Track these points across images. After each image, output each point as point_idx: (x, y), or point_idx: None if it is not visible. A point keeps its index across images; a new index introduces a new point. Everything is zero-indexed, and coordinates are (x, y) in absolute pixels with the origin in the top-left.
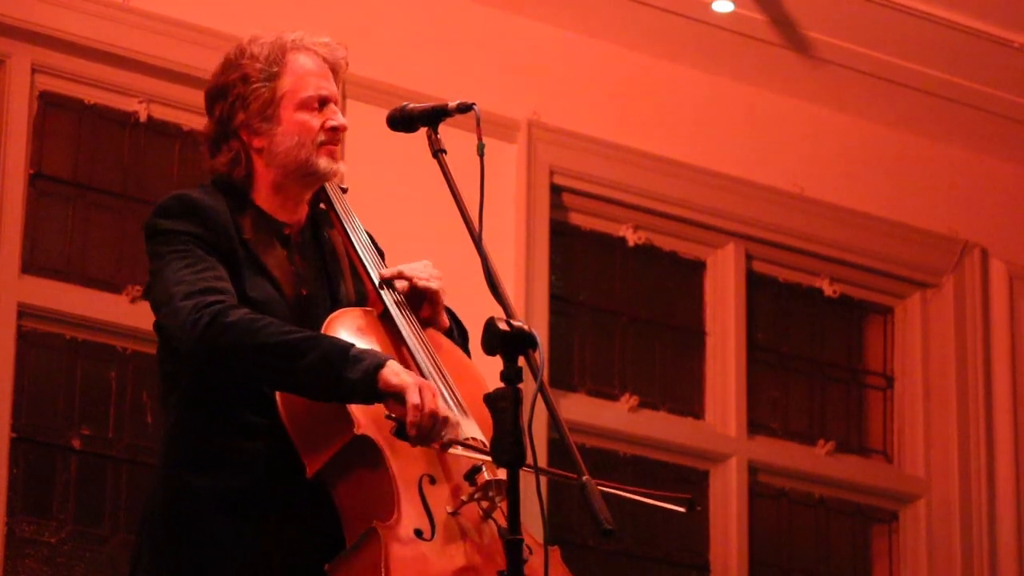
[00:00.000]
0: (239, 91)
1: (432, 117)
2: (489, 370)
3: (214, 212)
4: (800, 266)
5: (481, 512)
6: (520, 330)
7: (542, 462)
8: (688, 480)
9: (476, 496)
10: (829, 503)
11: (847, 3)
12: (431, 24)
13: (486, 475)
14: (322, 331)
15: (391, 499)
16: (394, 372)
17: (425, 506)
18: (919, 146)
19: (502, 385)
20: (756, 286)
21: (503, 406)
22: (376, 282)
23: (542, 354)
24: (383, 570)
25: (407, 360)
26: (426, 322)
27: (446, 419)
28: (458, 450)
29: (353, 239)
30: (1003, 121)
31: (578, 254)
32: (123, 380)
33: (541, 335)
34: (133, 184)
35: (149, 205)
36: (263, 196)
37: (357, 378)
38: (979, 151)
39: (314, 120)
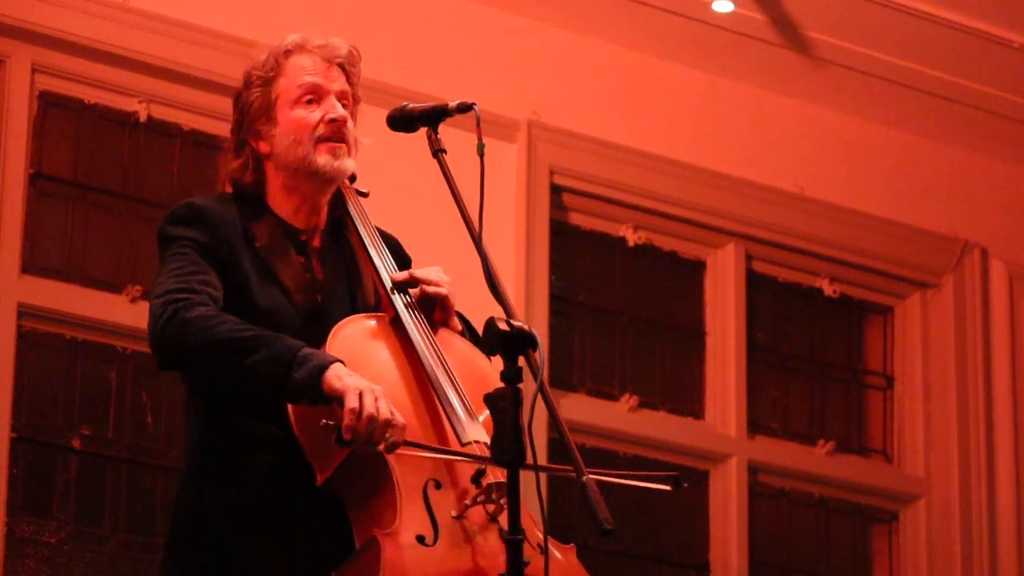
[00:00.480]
0: (244, 98)
1: (432, 117)
2: None
3: (220, 219)
4: (800, 266)
5: (487, 515)
6: (520, 330)
7: (542, 462)
8: (688, 480)
9: (480, 499)
10: (829, 503)
11: (847, 3)
12: (431, 24)
13: (491, 478)
14: (330, 337)
15: (393, 506)
16: (337, 376)
17: (429, 511)
18: (919, 146)
19: (502, 385)
20: (756, 286)
21: (503, 406)
22: (388, 287)
23: (542, 354)
24: None
25: (416, 364)
26: (438, 325)
27: (387, 422)
28: (413, 451)
29: (367, 243)
30: (1003, 121)
31: (578, 254)
32: (123, 380)
33: (541, 335)
34: (133, 184)
35: (149, 205)
36: (278, 202)
37: (301, 379)
38: (979, 151)
39: (310, 115)
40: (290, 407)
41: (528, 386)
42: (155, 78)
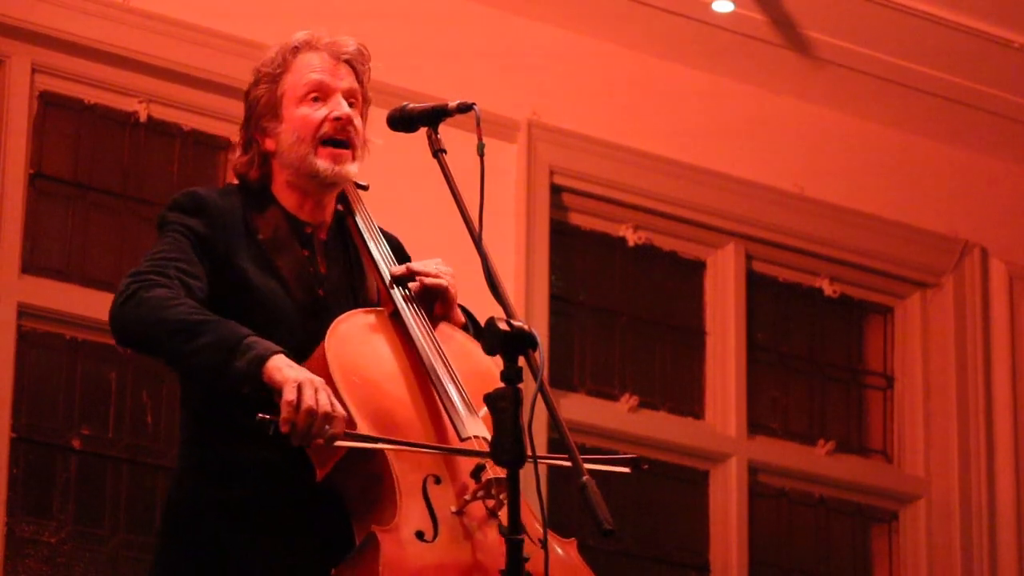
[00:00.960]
0: (252, 95)
1: (432, 117)
2: None
3: (221, 210)
4: (800, 266)
5: (487, 510)
6: (520, 330)
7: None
8: (688, 480)
9: (479, 494)
10: (829, 503)
11: (847, 3)
12: (431, 24)
13: (491, 473)
14: (328, 331)
15: (393, 501)
16: (276, 367)
17: (429, 507)
18: (919, 146)
19: (502, 385)
20: (756, 286)
21: (503, 406)
22: (387, 281)
23: (542, 354)
24: (379, 574)
25: (415, 359)
26: (439, 319)
27: (327, 415)
28: (355, 443)
29: (366, 237)
30: (1003, 121)
31: (578, 254)
32: (123, 380)
33: (541, 335)
34: (133, 184)
35: (149, 205)
36: (284, 196)
37: (242, 367)
38: (979, 151)
39: (315, 114)
40: None
41: (528, 386)
42: (155, 78)
